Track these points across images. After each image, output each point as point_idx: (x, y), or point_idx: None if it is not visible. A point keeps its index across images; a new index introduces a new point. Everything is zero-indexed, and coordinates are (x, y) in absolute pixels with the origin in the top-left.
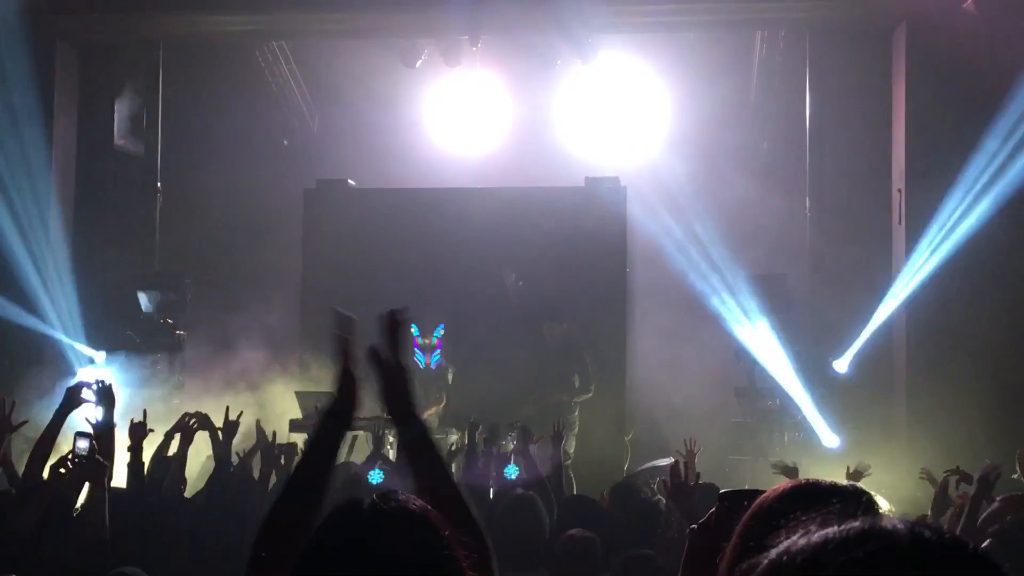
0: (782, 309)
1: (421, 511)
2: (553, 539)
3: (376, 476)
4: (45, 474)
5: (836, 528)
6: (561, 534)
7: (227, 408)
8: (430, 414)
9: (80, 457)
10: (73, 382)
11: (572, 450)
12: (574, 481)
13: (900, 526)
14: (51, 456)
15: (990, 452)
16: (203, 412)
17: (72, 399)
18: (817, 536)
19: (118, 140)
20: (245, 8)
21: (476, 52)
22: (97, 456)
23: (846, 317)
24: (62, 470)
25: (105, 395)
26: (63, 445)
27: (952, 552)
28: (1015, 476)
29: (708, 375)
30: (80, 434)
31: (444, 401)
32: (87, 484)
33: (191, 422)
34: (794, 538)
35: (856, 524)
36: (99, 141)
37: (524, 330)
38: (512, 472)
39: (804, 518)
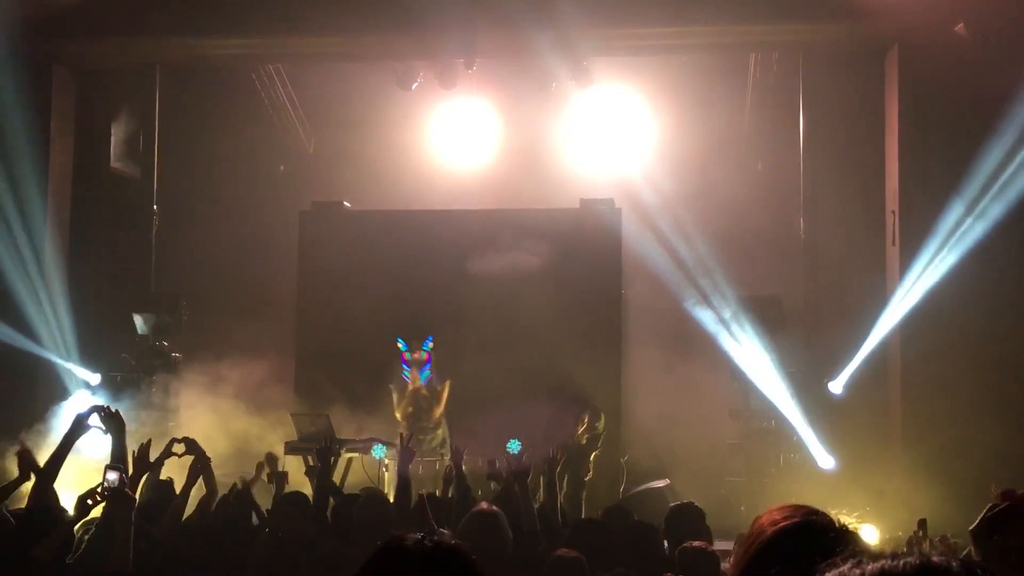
0: (777, 330)
1: (459, 547)
2: (514, 555)
3: (379, 451)
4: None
5: (890, 562)
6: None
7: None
8: (420, 426)
9: (110, 490)
10: (83, 409)
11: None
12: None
13: (955, 565)
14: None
15: (985, 472)
16: (191, 437)
17: (80, 425)
18: (874, 567)
19: (114, 163)
20: (241, 32)
21: (471, 75)
22: (127, 490)
23: (841, 338)
24: (89, 501)
25: (113, 421)
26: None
27: None
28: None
29: (703, 396)
30: (110, 467)
31: (435, 418)
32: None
33: (175, 448)
34: (846, 567)
35: (912, 560)
36: (95, 164)
37: (516, 352)
38: (514, 447)
39: (853, 553)
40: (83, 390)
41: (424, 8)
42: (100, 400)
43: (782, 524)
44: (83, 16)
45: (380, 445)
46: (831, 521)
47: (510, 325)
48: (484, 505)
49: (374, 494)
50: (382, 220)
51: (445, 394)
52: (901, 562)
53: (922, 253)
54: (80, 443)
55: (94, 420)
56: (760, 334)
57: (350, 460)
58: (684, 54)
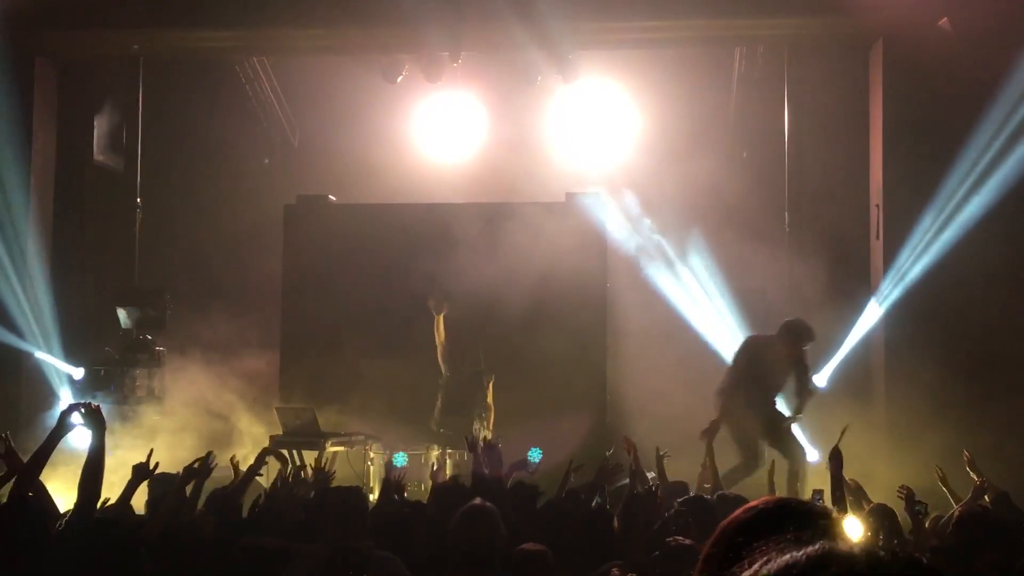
0: (761, 323)
1: None
2: (507, 551)
3: (400, 459)
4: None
5: (796, 553)
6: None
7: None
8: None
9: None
10: (65, 406)
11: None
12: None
13: (857, 549)
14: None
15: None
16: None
17: (64, 423)
18: (780, 562)
19: (97, 156)
20: (226, 24)
21: (457, 68)
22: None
23: (825, 331)
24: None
25: (94, 418)
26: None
27: (908, 570)
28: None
29: (688, 389)
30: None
31: (489, 412)
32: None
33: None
34: (756, 567)
35: (816, 548)
36: (78, 156)
37: (501, 346)
38: (536, 456)
39: (764, 546)
40: (68, 387)
41: (409, 1)
42: (84, 397)
43: (754, 509)
44: (65, 7)
45: (402, 453)
46: (807, 505)
47: (495, 319)
48: (478, 501)
49: (353, 487)
50: (367, 213)
51: (489, 390)
52: (804, 553)
53: (905, 247)
54: (73, 439)
55: (76, 418)
56: (745, 326)
57: (335, 455)
58: (669, 48)
